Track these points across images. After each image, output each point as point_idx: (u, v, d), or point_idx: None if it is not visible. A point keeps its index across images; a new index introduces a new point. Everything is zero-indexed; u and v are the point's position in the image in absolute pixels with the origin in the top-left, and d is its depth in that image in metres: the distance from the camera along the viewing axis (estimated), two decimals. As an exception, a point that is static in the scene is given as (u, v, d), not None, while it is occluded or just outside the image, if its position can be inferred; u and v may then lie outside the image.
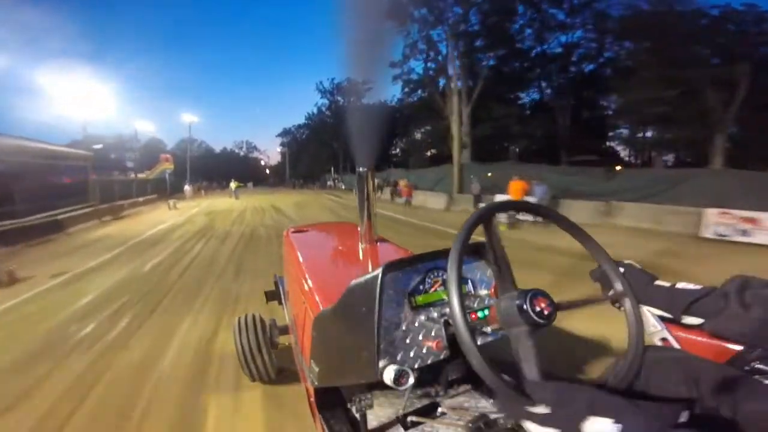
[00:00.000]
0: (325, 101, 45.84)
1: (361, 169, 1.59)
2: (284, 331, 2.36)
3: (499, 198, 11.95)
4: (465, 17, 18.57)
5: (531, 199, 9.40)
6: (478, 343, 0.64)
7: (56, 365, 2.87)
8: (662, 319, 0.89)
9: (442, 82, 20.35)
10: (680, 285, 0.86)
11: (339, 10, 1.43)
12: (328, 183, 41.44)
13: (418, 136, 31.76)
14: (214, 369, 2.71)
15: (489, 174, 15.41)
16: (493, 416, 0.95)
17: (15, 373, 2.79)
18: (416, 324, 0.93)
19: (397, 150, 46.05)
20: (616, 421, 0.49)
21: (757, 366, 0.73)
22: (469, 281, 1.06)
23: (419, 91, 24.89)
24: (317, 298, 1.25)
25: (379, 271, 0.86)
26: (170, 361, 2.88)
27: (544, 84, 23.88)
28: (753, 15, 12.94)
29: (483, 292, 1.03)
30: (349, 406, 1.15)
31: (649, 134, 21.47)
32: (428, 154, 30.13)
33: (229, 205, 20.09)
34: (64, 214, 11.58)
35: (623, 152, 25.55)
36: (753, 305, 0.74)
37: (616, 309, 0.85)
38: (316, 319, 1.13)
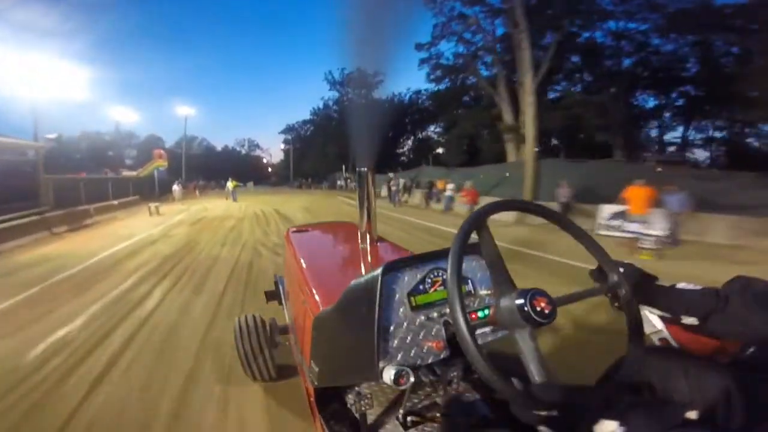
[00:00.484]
0: (335, 94, 42.51)
1: (361, 169, 1.56)
2: (284, 331, 2.31)
3: (607, 209, 8.72)
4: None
5: (662, 213, 6.32)
6: (479, 342, 0.64)
7: None
8: (662, 319, 0.88)
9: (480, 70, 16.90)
10: (680, 285, 0.85)
11: None
12: (339, 183, 36.35)
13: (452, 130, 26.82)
14: None
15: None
16: (492, 416, 0.99)
17: None
18: (416, 324, 0.90)
19: (405, 149, 43.10)
20: (622, 423, 0.50)
21: (757, 366, 0.71)
22: (469, 281, 1.03)
23: (446, 79, 21.47)
24: (317, 298, 1.25)
25: (379, 271, 0.87)
26: None
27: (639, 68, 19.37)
28: None
29: (483, 292, 1.01)
30: (349, 406, 1.17)
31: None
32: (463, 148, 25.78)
33: (224, 209, 16.60)
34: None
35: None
36: (753, 306, 0.72)
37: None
38: (316, 319, 1.13)
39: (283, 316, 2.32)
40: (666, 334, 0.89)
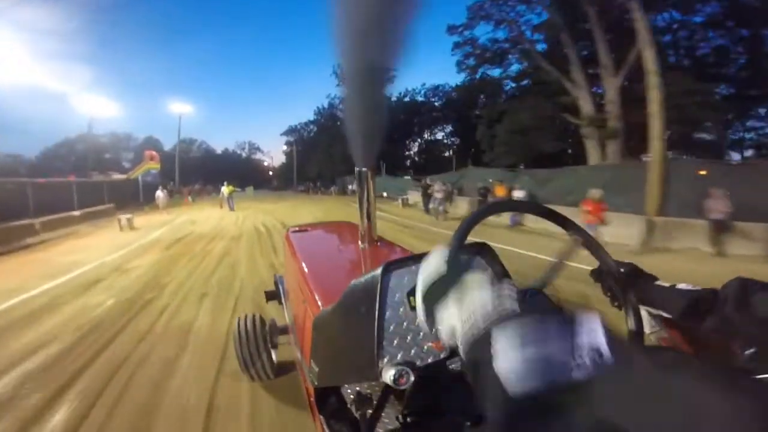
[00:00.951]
0: (341, 90, 39.81)
1: (361, 169, 1.55)
2: (284, 331, 2.32)
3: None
4: None
5: None
6: None
7: None
8: (662, 319, 0.86)
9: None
10: (680, 285, 0.83)
11: None
12: (349, 187, 31.76)
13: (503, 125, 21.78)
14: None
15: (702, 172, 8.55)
16: None
17: None
18: (416, 324, 0.89)
19: (415, 149, 40.32)
20: None
21: (756, 367, 0.68)
22: None
23: (483, 66, 18.17)
24: (317, 298, 1.25)
25: (379, 271, 0.87)
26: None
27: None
28: None
29: None
30: (349, 406, 1.15)
31: None
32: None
33: (217, 222, 13.20)
34: None
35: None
36: (753, 306, 0.71)
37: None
38: (316, 319, 1.12)
39: (284, 316, 2.29)
40: (665, 334, 0.87)
